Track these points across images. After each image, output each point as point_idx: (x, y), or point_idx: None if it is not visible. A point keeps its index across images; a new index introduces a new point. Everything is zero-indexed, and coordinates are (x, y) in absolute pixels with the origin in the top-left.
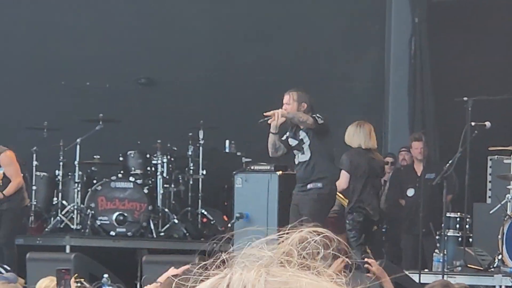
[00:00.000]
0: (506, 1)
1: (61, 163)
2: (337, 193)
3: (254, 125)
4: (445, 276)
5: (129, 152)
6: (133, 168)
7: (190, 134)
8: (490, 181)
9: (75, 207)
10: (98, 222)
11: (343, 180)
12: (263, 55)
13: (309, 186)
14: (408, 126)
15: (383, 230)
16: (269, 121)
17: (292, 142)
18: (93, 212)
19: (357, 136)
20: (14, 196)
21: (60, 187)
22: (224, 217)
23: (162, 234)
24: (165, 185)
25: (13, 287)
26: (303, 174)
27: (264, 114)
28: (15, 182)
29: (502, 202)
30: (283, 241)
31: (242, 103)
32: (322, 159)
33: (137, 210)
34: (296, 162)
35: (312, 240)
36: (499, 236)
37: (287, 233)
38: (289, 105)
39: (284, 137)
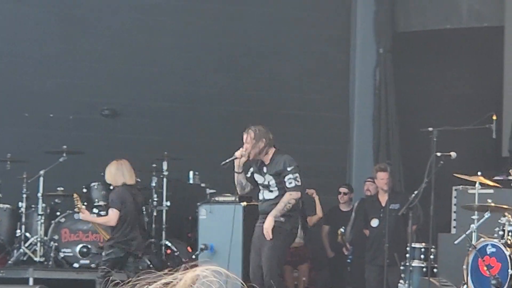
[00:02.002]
0: (470, 32)
1: (24, 195)
2: (100, 227)
3: (218, 162)
4: None
5: (92, 184)
6: (96, 200)
7: (154, 165)
8: (455, 212)
9: (39, 239)
10: (62, 254)
11: (113, 218)
12: (228, 86)
13: None
14: (372, 157)
15: (348, 260)
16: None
17: (258, 178)
18: (56, 244)
19: (120, 173)
20: None
21: (23, 219)
22: (188, 248)
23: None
24: None
25: None
26: (268, 209)
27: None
28: None
29: (467, 232)
30: (177, 283)
31: (206, 134)
32: None
33: (100, 242)
34: (261, 198)
35: (205, 277)
36: (464, 266)
37: (181, 274)
38: (248, 144)
39: (249, 174)
